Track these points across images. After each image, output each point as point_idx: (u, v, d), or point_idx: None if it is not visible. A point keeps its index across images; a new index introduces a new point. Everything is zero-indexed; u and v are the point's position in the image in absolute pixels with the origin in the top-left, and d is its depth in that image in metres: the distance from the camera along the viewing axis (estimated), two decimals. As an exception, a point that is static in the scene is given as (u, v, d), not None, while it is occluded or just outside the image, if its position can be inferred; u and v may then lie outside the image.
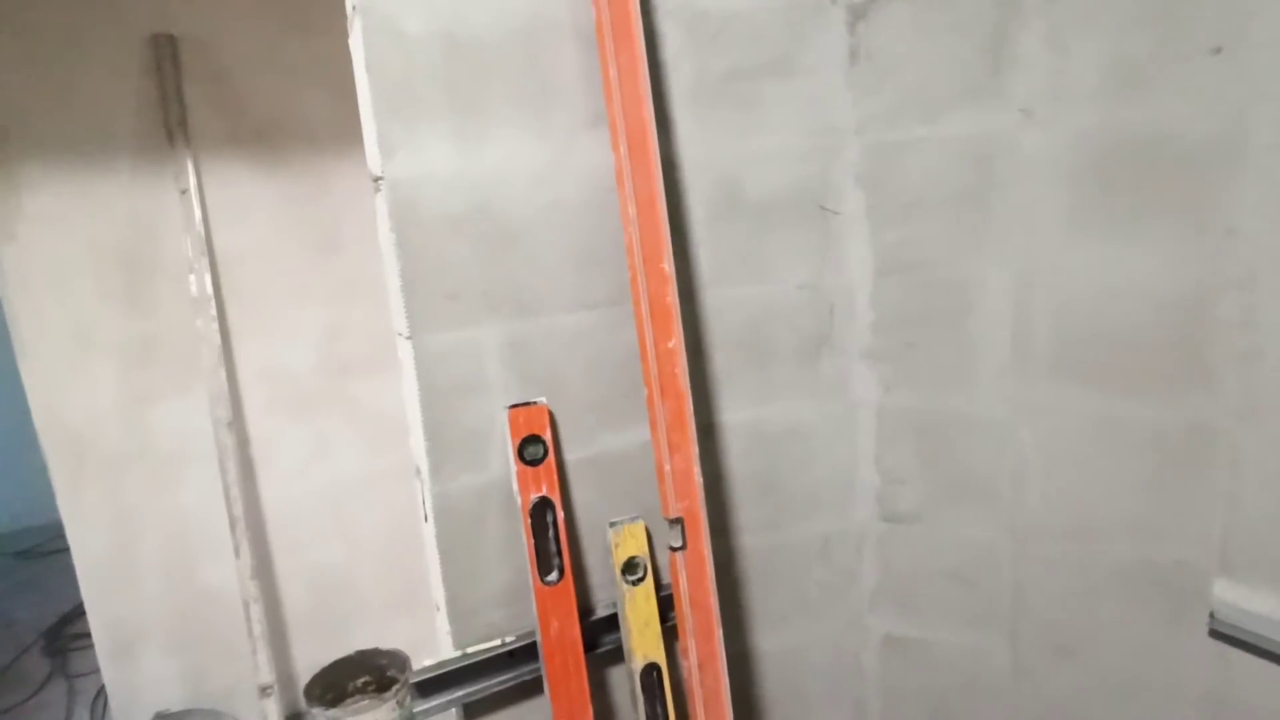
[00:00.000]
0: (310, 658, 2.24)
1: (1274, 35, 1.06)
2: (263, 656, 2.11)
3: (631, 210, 1.21)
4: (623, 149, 1.21)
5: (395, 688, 2.13)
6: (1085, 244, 1.26)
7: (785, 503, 1.48)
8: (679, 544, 1.28)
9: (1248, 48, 1.08)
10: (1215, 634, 1.23)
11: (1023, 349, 1.34)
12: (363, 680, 2.27)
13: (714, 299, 1.39)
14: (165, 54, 1.92)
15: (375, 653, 2.29)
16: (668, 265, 1.23)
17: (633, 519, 1.36)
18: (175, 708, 2.15)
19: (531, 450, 1.26)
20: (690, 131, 1.33)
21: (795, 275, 1.41)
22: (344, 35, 1.18)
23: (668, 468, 1.26)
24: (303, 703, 2.17)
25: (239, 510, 2.05)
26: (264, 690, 2.14)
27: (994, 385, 1.38)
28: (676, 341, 1.25)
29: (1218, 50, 1.10)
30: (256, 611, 2.10)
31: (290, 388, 2.17)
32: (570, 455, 1.32)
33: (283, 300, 2.13)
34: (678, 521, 1.28)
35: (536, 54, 1.21)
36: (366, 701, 2.09)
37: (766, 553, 1.49)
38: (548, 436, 1.27)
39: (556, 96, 1.23)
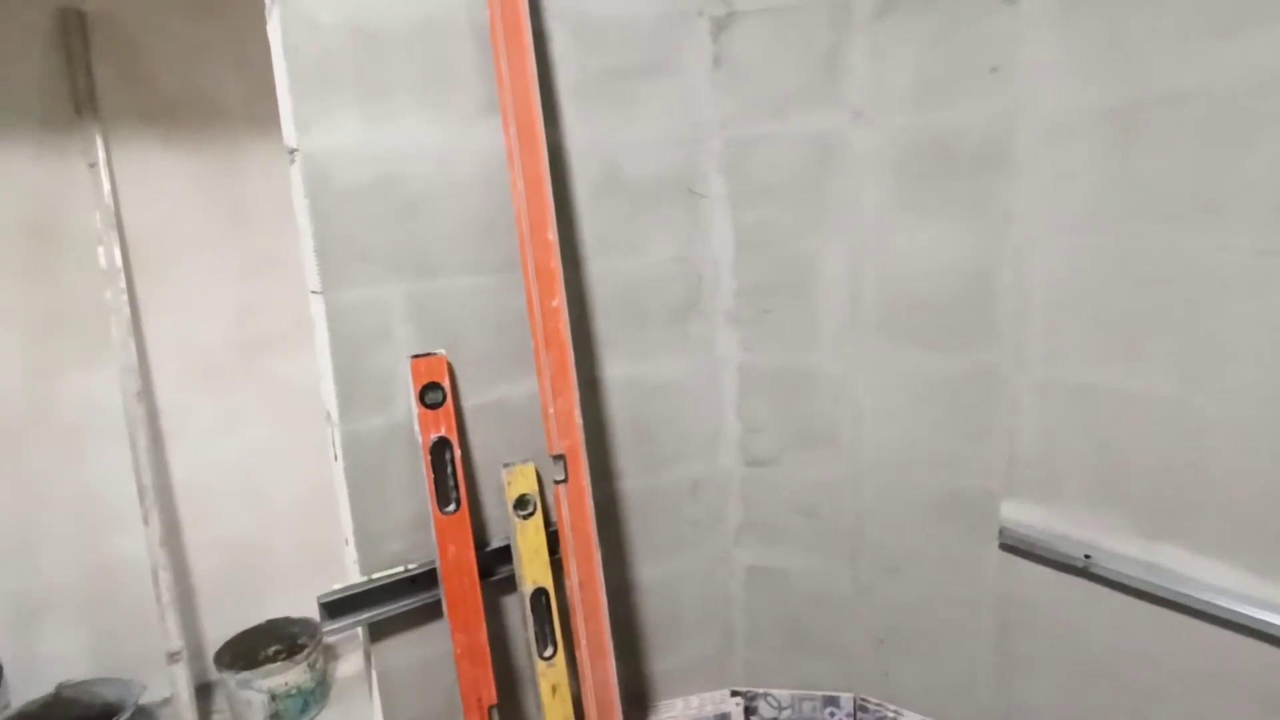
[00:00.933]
0: (223, 628, 2.30)
1: (1035, 58, 1.33)
2: (171, 624, 2.16)
3: (521, 186, 1.40)
4: (513, 132, 1.39)
5: (306, 650, 2.22)
6: (903, 224, 1.52)
7: (660, 449, 1.69)
8: (562, 477, 1.47)
9: (1016, 68, 1.36)
10: (1004, 546, 1.51)
11: (856, 313, 1.60)
12: (274, 649, 2.34)
13: (597, 269, 1.59)
14: (73, 28, 1.98)
15: (286, 621, 2.37)
16: (551, 234, 1.42)
17: (524, 461, 1.54)
18: (80, 678, 2.17)
19: (432, 395, 1.42)
20: (575, 120, 1.52)
21: (668, 249, 1.63)
22: (256, 15, 1.32)
23: (551, 410, 1.45)
24: (213, 672, 2.23)
25: (148, 480, 2.10)
26: (172, 657, 2.19)
27: (834, 344, 1.63)
28: (559, 301, 1.44)
29: (995, 69, 1.37)
30: (165, 579, 2.15)
31: (202, 361, 2.24)
32: (468, 402, 1.49)
33: (194, 275, 2.20)
34: (560, 458, 1.46)
35: (437, 46, 1.38)
36: (278, 665, 2.16)
37: (644, 494, 1.69)
38: (446, 384, 1.43)
39: (455, 84, 1.40)
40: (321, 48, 1.29)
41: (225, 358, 2.28)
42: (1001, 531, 1.51)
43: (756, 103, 1.57)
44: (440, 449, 1.43)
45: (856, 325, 1.60)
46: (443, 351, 1.44)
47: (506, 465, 1.53)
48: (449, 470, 1.43)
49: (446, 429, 1.43)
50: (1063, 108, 1.31)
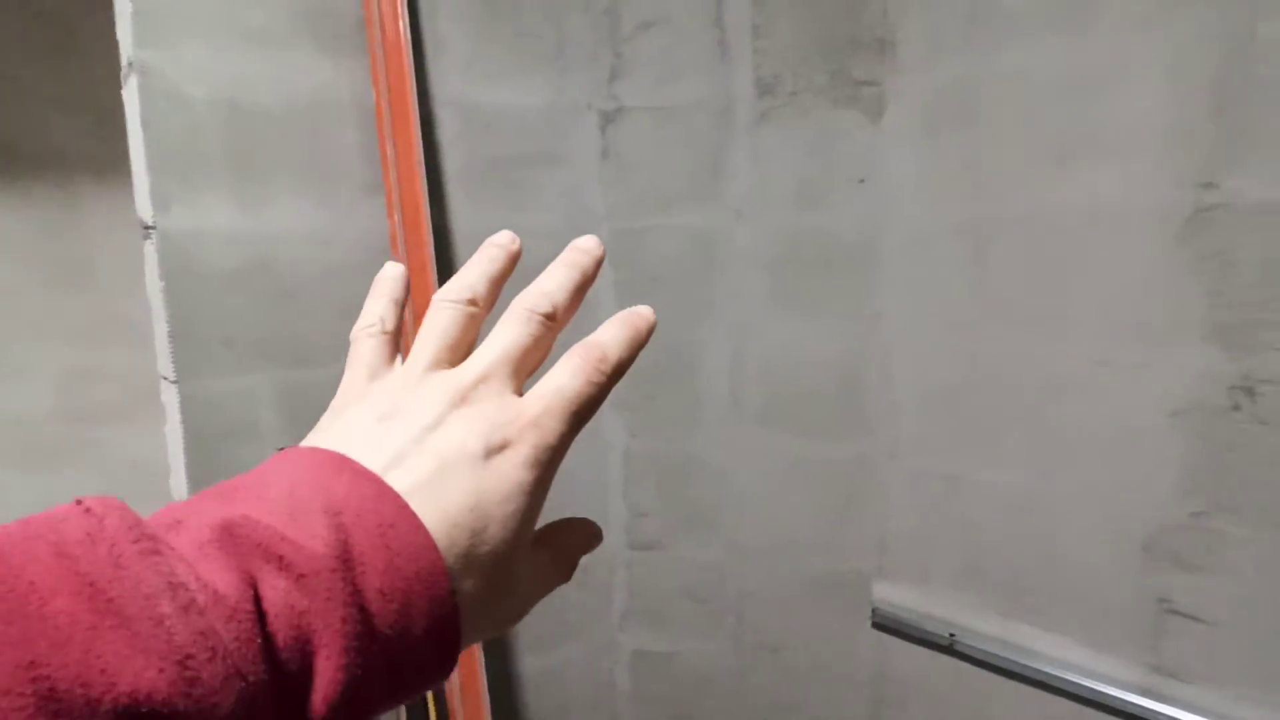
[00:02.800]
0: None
1: (898, 173, 1.45)
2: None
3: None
4: (398, 219, 1.35)
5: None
6: (782, 318, 1.59)
7: (547, 537, 1.65)
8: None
9: (881, 180, 1.47)
10: (876, 625, 1.58)
11: (737, 401, 1.65)
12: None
13: (484, 354, 1.55)
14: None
15: None
16: (439, 323, 1.38)
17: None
18: None
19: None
20: (463, 206, 1.50)
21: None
22: (103, 60, 1.22)
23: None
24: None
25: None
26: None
27: (716, 431, 1.67)
28: (446, 391, 1.39)
29: (863, 180, 1.49)
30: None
31: (21, 435, 1.99)
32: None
33: (14, 338, 1.96)
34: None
35: (319, 128, 1.33)
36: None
37: (529, 583, 1.64)
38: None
39: (338, 167, 1.35)
40: (188, 123, 1.21)
41: (50, 431, 2.03)
42: (874, 611, 1.58)
43: (644, 196, 1.62)
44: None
45: (738, 413, 1.65)
46: (315, 444, 1.35)
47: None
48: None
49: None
50: (923, 219, 1.43)
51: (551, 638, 1.69)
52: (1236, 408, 1.12)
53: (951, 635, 1.45)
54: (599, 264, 0.38)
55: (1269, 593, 1.12)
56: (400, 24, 1.33)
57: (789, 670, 1.69)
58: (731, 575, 1.70)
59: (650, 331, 0.36)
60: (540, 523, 0.34)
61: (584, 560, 1.49)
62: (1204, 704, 1.18)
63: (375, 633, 0.24)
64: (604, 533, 0.40)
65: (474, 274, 0.37)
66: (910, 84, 1.41)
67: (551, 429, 0.31)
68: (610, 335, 0.34)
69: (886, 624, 1.56)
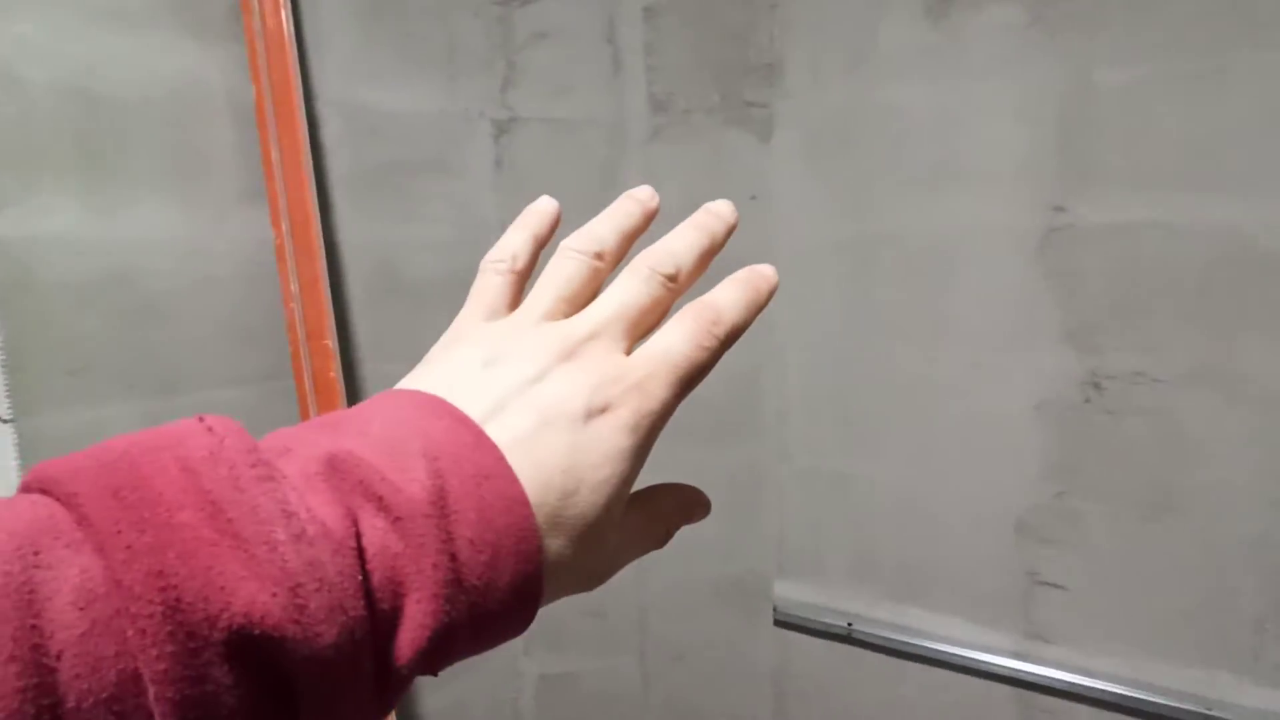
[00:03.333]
0: None
1: (787, 192, 1.54)
2: None
3: (294, 287, 1.23)
4: (285, 229, 1.22)
5: None
6: (678, 330, 1.62)
7: (445, 566, 1.56)
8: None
9: (771, 198, 1.55)
10: (778, 623, 1.64)
11: (638, 413, 1.66)
12: None
13: (373, 374, 1.44)
14: None
15: None
16: (331, 341, 1.26)
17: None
18: None
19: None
20: (350, 215, 1.39)
21: (451, 352, 1.54)
22: None
23: (334, 542, 1.26)
24: None
25: None
26: None
27: (618, 444, 1.66)
28: (342, 416, 1.27)
29: (754, 197, 1.56)
30: None
31: None
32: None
33: None
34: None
35: (187, 124, 1.17)
36: None
37: (428, 617, 1.54)
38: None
39: (210, 168, 1.20)
40: (23, 111, 1.02)
41: None
42: (775, 609, 1.64)
43: (540, 208, 1.58)
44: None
45: (639, 424, 1.66)
46: (188, 483, 1.18)
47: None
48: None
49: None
50: (811, 236, 1.52)
51: (451, 671, 1.59)
52: (1087, 400, 1.30)
53: (849, 625, 1.55)
54: (730, 230, 0.37)
55: (1118, 560, 1.30)
56: (282, 12, 1.21)
57: (693, 676, 1.71)
58: (633, 589, 1.70)
59: (771, 293, 0.35)
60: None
61: None
62: (1069, 661, 1.35)
63: (463, 582, 0.24)
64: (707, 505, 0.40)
65: (606, 226, 0.36)
66: (797, 109, 1.51)
67: (655, 394, 0.30)
68: (727, 296, 0.34)
69: (787, 621, 1.63)
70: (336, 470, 0.23)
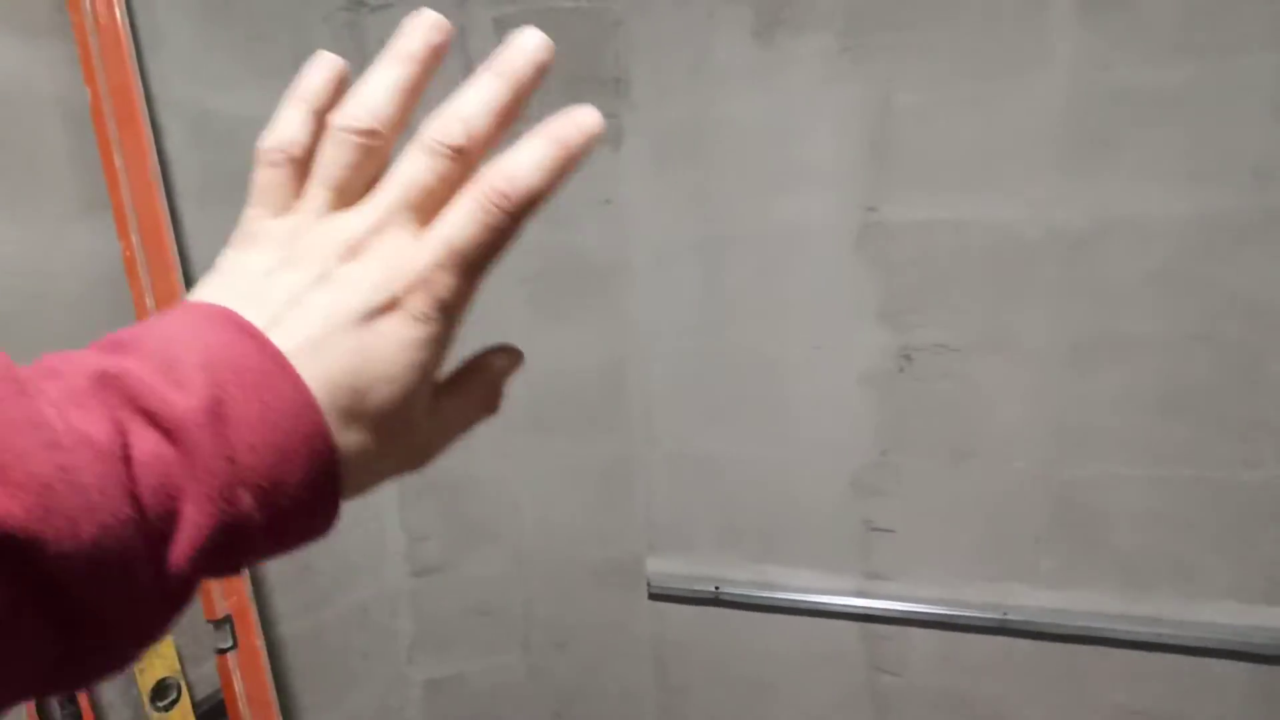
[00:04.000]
0: None
1: (638, 196, 1.66)
2: None
3: (150, 303, 1.16)
4: (135, 241, 1.15)
5: None
6: (543, 329, 1.70)
7: (324, 582, 1.53)
8: (228, 644, 1.22)
9: (625, 202, 1.66)
10: (653, 597, 1.77)
11: (509, 412, 1.70)
12: None
13: (235, 390, 1.38)
14: None
15: None
16: (196, 358, 1.21)
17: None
18: None
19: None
20: (199, 227, 1.32)
21: (316, 362, 1.51)
22: None
23: (212, 567, 1.20)
24: None
25: None
26: None
27: (491, 444, 1.70)
28: (211, 435, 1.22)
29: (608, 201, 1.66)
30: None
31: None
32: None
33: None
34: (225, 620, 1.22)
35: (10, 126, 1.07)
36: None
37: (308, 636, 1.50)
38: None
39: (41, 176, 1.10)
40: None
41: None
42: (649, 584, 1.77)
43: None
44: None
45: (510, 423, 1.71)
46: (37, 520, 1.08)
47: (135, 649, 1.20)
48: (63, 678, 1.07)
49: (52, 623, 1.07)
50: (664, 236, 1.65)
51: (339, 690, 1.56)
52: (901, 370, 1.54)
53: (716, 588, 1.70)
54: (541, 71, 0.31)
55: (932, 502, 1.55)
56: (116, 9, 1.13)
57: (577, 660, 1.80)
58: (516, 583, 1.75)
59: (588, 145, 0.30)
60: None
61: (362, 600, 1.48)
62: (901, 593, 1.59)
63: (246, 484, 0.24)
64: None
65: (375, 89, 0.32)
66: (643, 120, 1.63)
67: (442, 284, 0.29)
68: (526, 159, 0.30)
69: (661, 593, 1.76)
70: (105, 386, 0.23)
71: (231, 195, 1.23)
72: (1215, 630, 1.42)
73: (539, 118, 1.29)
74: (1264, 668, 1.41)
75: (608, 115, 1.26)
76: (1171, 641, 1.44)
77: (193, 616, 1.26)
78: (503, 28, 1.59)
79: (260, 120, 1.32)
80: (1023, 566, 1.52)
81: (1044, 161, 1.41)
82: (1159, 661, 1.47)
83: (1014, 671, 1.55)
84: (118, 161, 1.13)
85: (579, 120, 0.30)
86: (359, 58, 1.24)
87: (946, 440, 1.53)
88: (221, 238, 1.15)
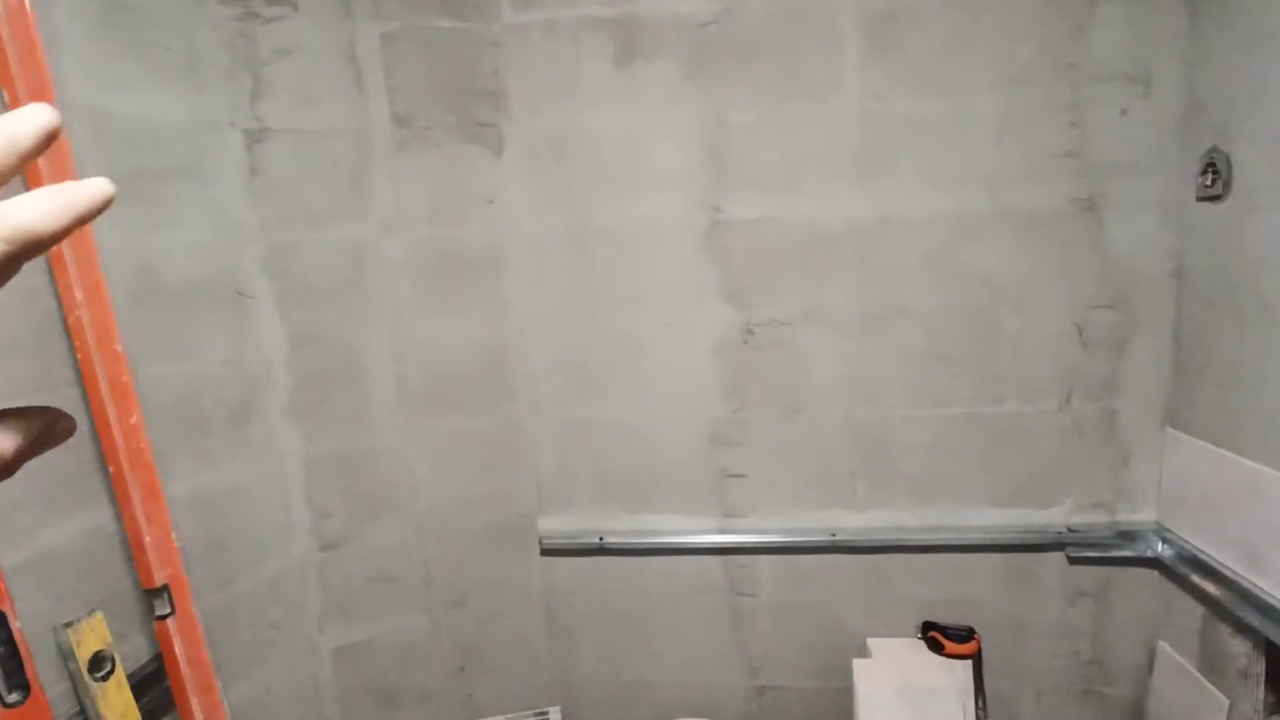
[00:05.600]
0: None
1: (515, 195, 1.86)
2: None
3: (78, 294, 1.23)
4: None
5: None
6: (432, 316, 1.87)
7: (235, 558, 1.61)
8: (167, 610, 1.32)
9: (504, 201, 1.87)
10: (544, 552, 1.99)
11: (403, 393, 1.87)
12: None
13: (144, 378, 1.45)
14: None
15: None
16: (120, 345, 1.29)
17: (89, 614, 1.30)
18: None
19: (-34, 562, 1.11)
20: (106, 224, 1.38)
21: (220, 351, 1.59)
22: None
23: (147, 539, 1.29)
24: None
25: None
26: None
27: (388, 422, 1.85)
28: (138, 417, 1.30)
29: (491, 201, 1.87)
30: None
31: None
32: (7, 560, 1.19)
33: None
34: (163, 589, 1.31)
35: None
36: None
37: (224, 609, 1.58)
38: (-16, 543, 1.13)
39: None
40: None
41: None
42: (540, 541, 1.99)
43: (296, 211, 1.70)
44: (-10, 626, 1.12)
45: (405, 403, 1.87)
46: (-28, 503, 1.13)
47: (68, 624, 1.26)
48: (11, 650, 1.13)
49: (-7, 599, 1.13)
50: (537, 230, 1.88)
51: (253, 659, 1.65)
52: (745, 342, 1.87)
53: (600, 539, 1.96)
54: (44, 138, 0.30)
55: (772, 449, 1.90)
56: (29, 15, 1.20)
57: (477, 616, 1.98)
58: (416, 549, 1.91)
59: (91, 207, 0.30)
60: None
61: (272, 575, 1.74)
62: (752, 527, 1.93)
63: None
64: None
65: None
66: (519, 129, 1.85)
67: None
68: (29, 202, 0.29)
69: (551, 548, 1.99)
70: None
71: (132, 192, 1.34)
72: (979, 531, 1.87)
73: (430, 127, 1.60)
74: (1012, 555, 1.88)
75: (488, 125, 1.55)
76: (949, 542, 1.88)
77: (118, 595, 1.34)
78: (390, 42, 1.75)
79: (156, 123, 1.52)
80: (842, 495, 1.91)
81: (841, 168, 1.79)
82: (941, 560, 1.90)
83: (839, 580, 1.94)
84: (42, 166, 1.20)
85: (91, 188, 0.30)
86: (251, 63, 1.45)
87: (781, 398, 1.88)
88: (126, 232, 1.30)
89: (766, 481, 1.92)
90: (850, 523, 1.91)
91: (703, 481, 1.94)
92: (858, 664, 1.85)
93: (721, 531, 1.95)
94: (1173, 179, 1.69)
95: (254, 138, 1.64)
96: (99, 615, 1.31)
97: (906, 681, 1.79)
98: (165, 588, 1.32)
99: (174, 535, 1.35)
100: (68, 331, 1.27)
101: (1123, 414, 1.80)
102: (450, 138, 1.82)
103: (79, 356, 1.25)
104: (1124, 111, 1.69)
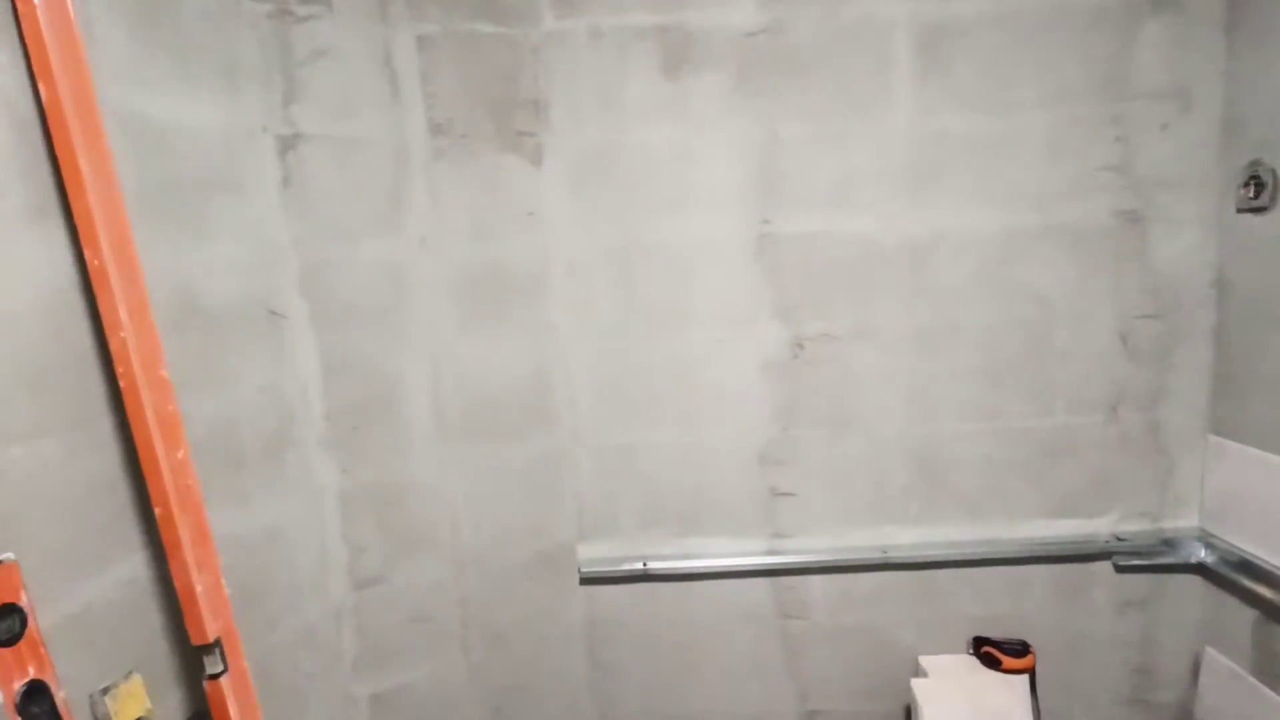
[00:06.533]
0: None
1: (558, 210, 1.78)
2: None
3: (123, 315, 1.10)
4: (105, 250, 1.08)
5: None
6: (472, 339, 1.76)
7: (273, 604, 1.47)
8: (220, 668, 1.17)
9: (546, 215, 1.79)
10: (584, 581, 1.89)
11: (441, 420, 1.75)
12: None
13: (183, 409, 1.31)
14: None
15: None
16: (167, 371, 1.15)
17: (126, 676, 1.15)
18: None
19: (6, 624, 0.96)
20: (143, 237, 1.24)
21: (256, 378, 1.46)
22: None
23: (199, 588, 1.15)
24: None
25: None
26: None
27: (425, 452, 1.74)
28: (185, 452, 1.17)
29: (531, 214, 1.78)
30: None
31: None
32: (45, 620, 1.04)
33: None
34: (215, 645, 1.17)
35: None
36: None
37: (262, 661, 1.43)
38: (24, 601, 0.98)
39: (-7, 181, 1.01)
40: None
41: None
42: (580, 570, 1.89)
43: (331, 226, 1.58)
44: (35, 700, 0.97)
45: (443, 431, 1.75)
46: (10, 556, 0.98)
47: (105, 690, 1.11)
48: (57, 723, 0.98)
49: (37, 668, 0.98)
50: (581, 247, 1.80)
51: (287, 715, 1.50)
52: (795, 357, 1.82)
53: (644, 564, 1.87)
54: None
55: (824, 467, 1.85)
56: (69, 5, 1.07)
57: (515, 653, 1.87)
58: (454, 586, 1.79)
59: None
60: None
61: (310, 620, 1.58)
62: (802, 547, 1.88)
63: None
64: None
65: None
66: (561, 141, 1.77)
67: None
68: None
69: (592, 577, 1.89)
70: None
71: (169, 203, 1.21)
72: (1028, 544, 1.86)
73: (467, 135, 1.50)
74: (1059, 566, 1.88)
75: (528, 134, 1.47)
76: (1000, 556, 1.87)
77: (153, 652, 1.20)
78: (426, 46, 1.66)
79: (192, 128, 1.38)
80: (894, 513, 1.87)
81: (892, 184, 1.77)
82: (993, 574, 1.89)
83: (891, 599, 1.90)
84: (84, 165, 1.06)
85: None
86: (286, 65, 1.34)
87: (832, 415, 1.84)
88: (165, 246, 1.17)
89: (817, 500, 1.87)
90: (902, 539, 1.88)
91: (751, 502, 1.88)
92: (917, 684, 1.81)
93: (770, 553, 1.89)
94: (1213, 191, 1.73)
95: (287, 144, 1.52)
96: (137, 678, 1.16)
97: (970, 700, 1.75)
98: (218, 643, 1.18)
99: (224, 583, 1.21)
100: (108, 356, 1.13)
101: (1167, 423, 1.82)
102: (488, 147, 1.73)
103: (123, 385, 1.11)
104: (1165, 127, 1.73)
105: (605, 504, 1.89)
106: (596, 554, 1.90)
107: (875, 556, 1.87)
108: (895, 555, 1.86)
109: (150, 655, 1.21)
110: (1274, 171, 1.59)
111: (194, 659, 1.21)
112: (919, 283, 1.80)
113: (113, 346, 1.11)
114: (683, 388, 1.84)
